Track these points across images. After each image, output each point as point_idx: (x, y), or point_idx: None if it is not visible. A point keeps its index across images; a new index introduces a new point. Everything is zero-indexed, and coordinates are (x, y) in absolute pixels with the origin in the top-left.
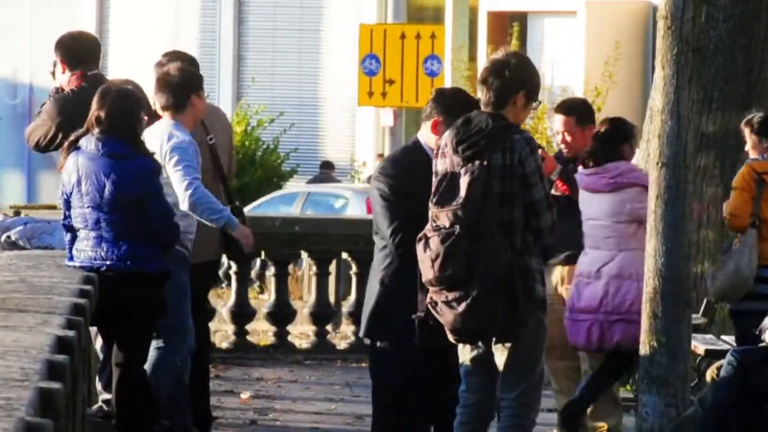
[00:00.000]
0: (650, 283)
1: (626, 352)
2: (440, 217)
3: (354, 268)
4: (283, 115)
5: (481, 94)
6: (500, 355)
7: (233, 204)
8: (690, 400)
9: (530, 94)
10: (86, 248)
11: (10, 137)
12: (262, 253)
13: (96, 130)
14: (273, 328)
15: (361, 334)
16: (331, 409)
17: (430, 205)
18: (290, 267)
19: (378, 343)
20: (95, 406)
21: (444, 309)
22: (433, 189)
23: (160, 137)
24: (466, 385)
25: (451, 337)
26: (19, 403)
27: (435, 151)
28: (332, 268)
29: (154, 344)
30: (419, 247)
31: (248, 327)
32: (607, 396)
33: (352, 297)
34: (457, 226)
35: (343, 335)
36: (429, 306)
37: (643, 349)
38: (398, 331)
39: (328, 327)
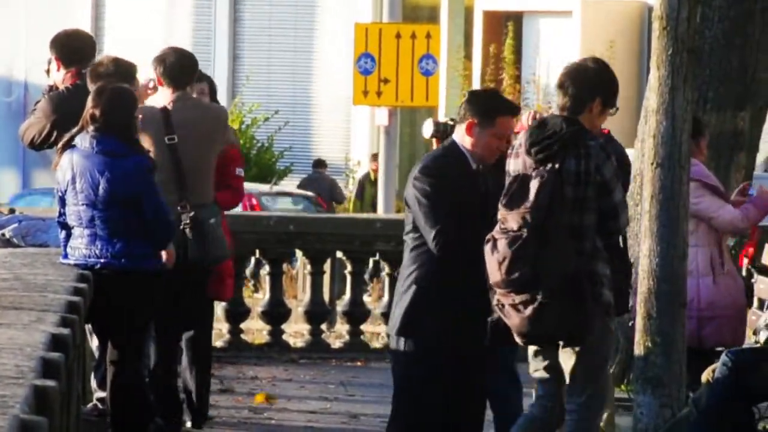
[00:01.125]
0: (645, 283)
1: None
2: (508, 219)
3: (349, 267)
4: (278, 113)
5: (558, 99)
6: (567, 359)
7: (186, 210)
8: (685, 401)
9: (607, 100)
10: (81, 246)
11: (4, 135)
12: (257, 251)
13: (91, 128)
14: (267, 327)
15: (392, 332)
16: (326, 408)
17: (500, 206)
18: (285, 266)
19: (409, 342)
20: (90, 404)
21: (511, 312)
22: (504, 190)
23: None
24: (543, 392)
25: (519, 340)
26: (14, 400)
27: (509, 152)
28: (327, 267)
29: None
30: (486, 249)
31: (243, 326)
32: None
33: (347, 296)
34: (525, 230)
35: (338, 334)
36: (496, 308)
37: (638, 350)
38: (431, 331)
39: (323, 326)
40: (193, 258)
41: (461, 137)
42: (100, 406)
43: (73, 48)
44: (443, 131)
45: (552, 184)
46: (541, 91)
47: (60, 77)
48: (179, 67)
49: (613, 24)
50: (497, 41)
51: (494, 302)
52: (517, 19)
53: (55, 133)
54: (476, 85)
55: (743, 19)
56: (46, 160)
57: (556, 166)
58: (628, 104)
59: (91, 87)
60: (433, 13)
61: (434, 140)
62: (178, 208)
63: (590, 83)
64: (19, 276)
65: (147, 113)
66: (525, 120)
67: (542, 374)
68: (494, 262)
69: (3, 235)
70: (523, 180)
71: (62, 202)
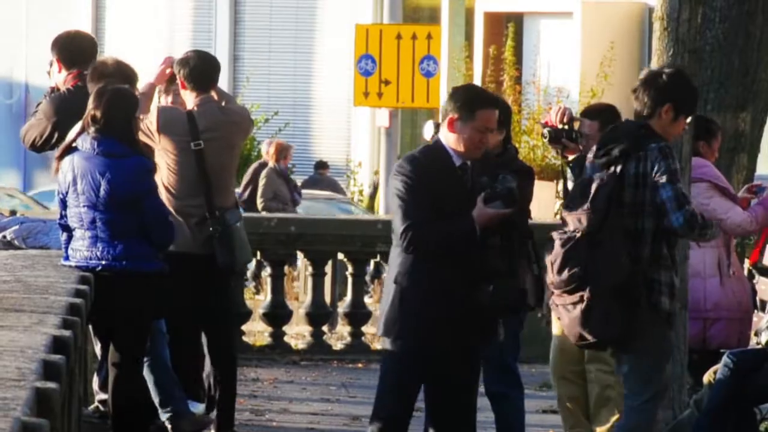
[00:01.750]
0: None
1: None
2: (567, 220)
3: (350, 269)
4: (278, 114)
5: (634, 104)
6: (624, 362)
7: (214, 216)
8: (687, 403)
9: (679, 107)
10: (82, 248)
11: (5, 136)
12: (258, 253)
13: (91, 130)
14: (269, 329)
15: (378, 333)
16: (327, 410)
17: (562, 208)
18: (286, 267)
19: (391, 342)
20: (91, 406)
21: (562, 312)
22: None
23: None
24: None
25: (573, 341)
26: (16, 403)
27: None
28: (328, 268)
29: None
30: (549, 248)
31: (244, 327)
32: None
33: (348, 297)
34: (579, 232)
35: (339, 336)
36: (552, 307)
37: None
38: (413, 330)
39: (324, 327)
40: (223, 263)
41: (444, 134)
42: (101, 408)
43: (74, 49)
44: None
45: (610, 187)
46: (542, 92)
47: (61, 79)
48: (202, 70)
49: (613, 25)
50: (498, 42)
51: (549, 302)
52: (517, 20)
53: (56, 135)
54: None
55: (744, 19)
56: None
57: (618, 169)
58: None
59: (91, 86)
60: (434, 14)
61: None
62: (206, 213)
63: (661, 89)
64: (20, 278)
65: (171, 115)
66: (553, 115)
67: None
68: (548, 262)
69: (4, 237)
70: (584, 183)
71: (63, 204)
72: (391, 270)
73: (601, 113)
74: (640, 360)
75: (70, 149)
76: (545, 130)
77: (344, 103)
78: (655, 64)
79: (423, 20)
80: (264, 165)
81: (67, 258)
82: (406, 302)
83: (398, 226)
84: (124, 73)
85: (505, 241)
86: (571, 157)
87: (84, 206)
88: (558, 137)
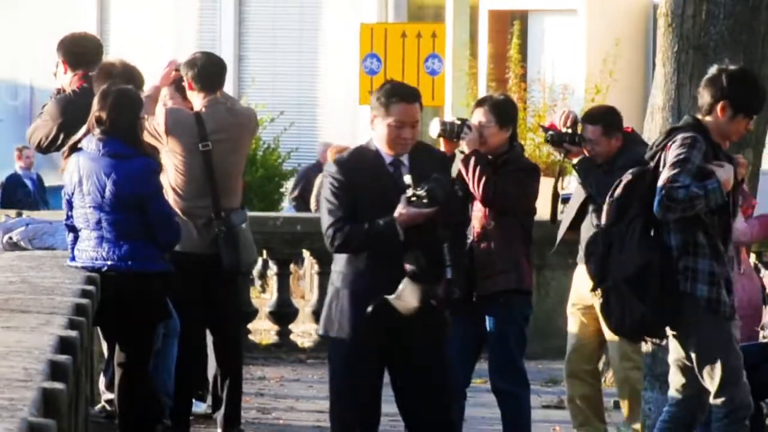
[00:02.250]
0: None
1: None
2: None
3: None
4: (284, 114)
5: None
6: (672, 352)
7: (220, 218)
8: None
9: (735, 106)
10: (87, 248)
11: (11, 138)
12: (264, 252)
13: (97, 131)
14: (275, 327)
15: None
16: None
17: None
18: (292, 266)
19: (329, 340)
20: (98, 406)
21: (597, 305)
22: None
23: None
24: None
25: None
26: (23, 403)
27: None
28: None
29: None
30: None
31: (250, 326)
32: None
33: None
34: (602, 226)
35: None
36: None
37: (646, 347)
38: (344, 329)
39: None
40: (228, 265)
41: (372, 133)
42: (108, 408)
43: (80, 51)
44: (450, 131)
45: (634, 181)
46: (547, 89)
47: (67, 80)
48: (210, 72)
49: (618, 22)
50: (503, 40)
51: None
52: (522, 17)
53: (62, 136)
54: (482, 84)
55: (749, 15)
56: (53, 162)
57: (652, 164)
58: (634, 101)
59: (97, 87)
60: (438, 13)
61: (441, 140)
62: (212, 214)
63: (718, 87)
64: (27, 279)
65: (178, 117)
66: (557, 119)
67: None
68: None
69: (10, 238)
70: (622, 179)
71: (69, 204)
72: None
73: (602, 117)
74: (693, 351)
75: (75, 149)
76: (548, 134)
77: (349, 102)
78: (659, 61)
79: (428, 19)
80: (318, 166)
81: (73, 258)
82: (339, 302)
83: (323, 226)
84: (130, 75)
85: (434, 241)
86: (575, 160)
87: (90, 207)
88: (560, 141)
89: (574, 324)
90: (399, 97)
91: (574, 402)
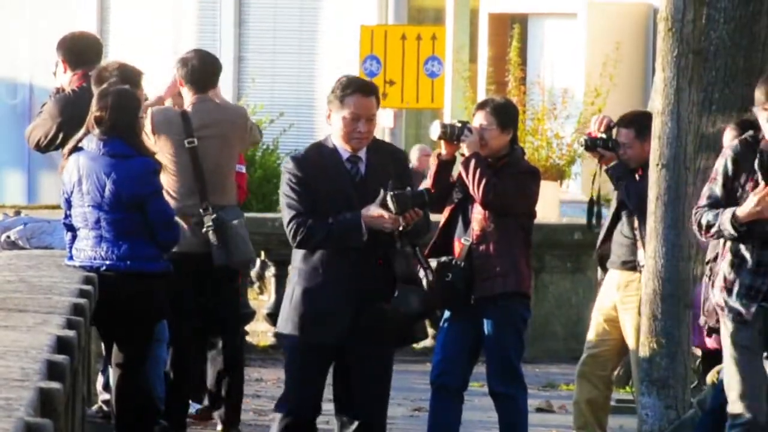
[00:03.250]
0: (650, 284)
1: None
2: None
3: None
4: (283, 115)
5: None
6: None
7: (209, 213)
8: (690, 402)
9: None
10: (86, 248)
11: (10, 137)
12: (262, 253)
13: (96, 131)
14: (272, 329)
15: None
16: (330, 410)
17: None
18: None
19: (282, 337)
20: (95, 406)
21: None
22: None
23: None
24: None
25: None
26: (19, 403)
27: None
28: None
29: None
30: None
31: (247, 328)
32: None
33: None
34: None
35: None
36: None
37: (643, 351)
38: (298, 326)
39: None
40: (217, 261)
41: (330, 129)
42: (105, 408)
43: (79, 50)
44: (451, 133)
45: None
46: (546, 92)
47: (66, 79)
48: (201, 71)
49: (618, 26)
50: (502, 43)
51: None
52: (522, 21)
53: (61, 135)
54: (481, 86)
55: (749, 20)
56: (52, 162)
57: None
58: (634, 105)
59: (95, 89)
60: (439, 15)
61: (442, 142)
62: (200, 210)
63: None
64: (24, 278)
65: (164, 115)
66: (593, 124)
67: None
68: None
69: (8, 237)
70: None
71: (68, 204)
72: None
73: (634, 120)
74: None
75: (75, 149)
76: (582, 138)
77: None
78: (659, 65)
79: (428, 21)
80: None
81: (71, 258)
82: (295, 297)
83: (284, 222)
84: (126, 76)
85: (408, 247)
86: (607, 166)
87: (89, 206)
88: (594, 145)
89: (595, 328)
90: (354, 89)
91: (579, 405)
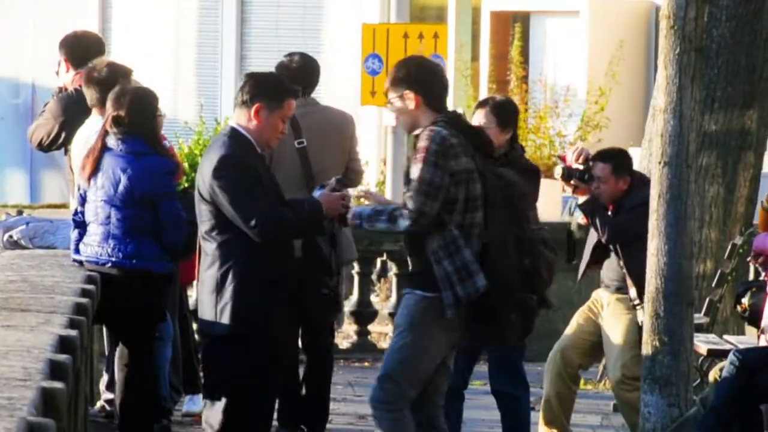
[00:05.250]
0: (652, 282)
1: None
2: None
3: (356, 268)
4: None
5: None
6: None
7: None
8: (692, 400)
9: None
10: (93, 243)
11: (12, 136)
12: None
13: (115, 130)
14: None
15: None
16: (334, 409)
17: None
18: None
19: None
20: (97, 406)
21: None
22: None
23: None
24: None
25: None
26: (22, 402)
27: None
28: None
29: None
30: None
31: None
32: None
33: (355, 296)
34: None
35: (346, 335)
36: None
37: (646, 349)
38: (265, 322)
39: None
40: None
41: (245, 121)
42: (107, 407)
43: (81, 49)
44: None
45: None
46: (549, 91)
47: (69, 78)
48: (304, 74)
49: (620, 23)
50: (504, 41)
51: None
52: (524, 19)
53: (63, 135)
54: (483, 85)
55: (751, 17)
56: (54, 162)
57: None
58: (637, 103)
59: (86, 90)
60: (441, 14)
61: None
62: None
63: None
64: (27, 278)
65: None
66: (570, 154)
67: None
68: None
69: (11, 236)
70: None
71: (82, 199)
72: (220, 267)
73: (612, 156)
74: None
75: (103, 149)
76: (558, 167)
77: (351, 102)
78: (661, 63)
79: (430, 19)
80: None
81: (77, 251)
82: (252, 294)
83: (247, 219)
84: (115, 73)
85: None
86: (581, 199)
87: (101, 200)
88: (570, 176)
89: (571, 326)
90: (293, 93)
91: (548, 400)
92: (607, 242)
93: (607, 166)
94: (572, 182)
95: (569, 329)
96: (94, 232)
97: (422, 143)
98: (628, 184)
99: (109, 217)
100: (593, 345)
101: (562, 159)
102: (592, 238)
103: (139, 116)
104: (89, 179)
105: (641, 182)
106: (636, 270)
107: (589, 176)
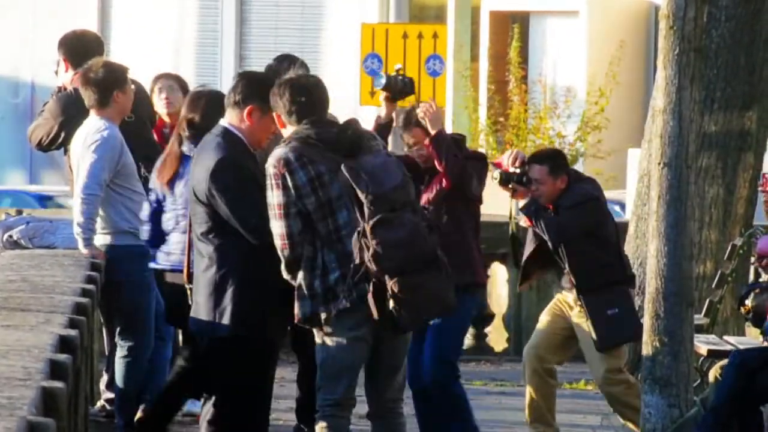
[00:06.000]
0: (652, 283)
1: None
2: None
3: None
4: None
5: None
6: None
7: None
8: (693, 401)
9: None
10: (177, 251)
11: (12, 136)
12: None
13: (187, 134)
14: None
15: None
16: None
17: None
18: None
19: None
20: (97, 405)
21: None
22: None
23: (85, 132)
24: None
25: None
26: (22, 402)
27: None
28: None
29: (124, 346)
30: None
31: None
32: None
33: None
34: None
35: None
36: None
37: (646, 350)
38: (258, 323)
39: None
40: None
41: (238, 121)
42: (108, 407)
43: (81, 49)
44: (394, 84)
45: None
46: (548, 91)
47: (68, 78)
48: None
49: (619, 24)
50: (504, 41)
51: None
52: (523, 19)
53: (62, 134)
54: (483, 85)
55: (750, 17)
56: (54, 161)
57: None
58: (636, 104)
59: (83, 91)
60: (440, 14)
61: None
62: None
63: None
64: (27, 277)
65: None
66: (505, 159)
67: None
68: None
69: (10, 236)
70: None
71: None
72: (219, 269)
73: (548, 157)
74: None
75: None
76: (496, 172)
77: (350, 102)
78: (660, 63)
79: (429, 19)
80: None
81: (155, 261)
82: (251, 294)
83: (244, 221)
84: (113, 75)
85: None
86: (522, 203)
87: (183, 209)
88: (508, 180)
89: (540, 324)
90: None
91: (531, 397)
92: (554, 245)
93: (543, 168)
94: (510, 186)
95: (540, 326)
96: (177, 240)
97: None
98: (565, 183)
99: (191, 225)
100: (565, 339)
101: (498, 165)
102: (530, 246)
103: (213, 120)
104: (168, 185)
105: (577, 179)
106: (576, 269)
107: (527, 179)
